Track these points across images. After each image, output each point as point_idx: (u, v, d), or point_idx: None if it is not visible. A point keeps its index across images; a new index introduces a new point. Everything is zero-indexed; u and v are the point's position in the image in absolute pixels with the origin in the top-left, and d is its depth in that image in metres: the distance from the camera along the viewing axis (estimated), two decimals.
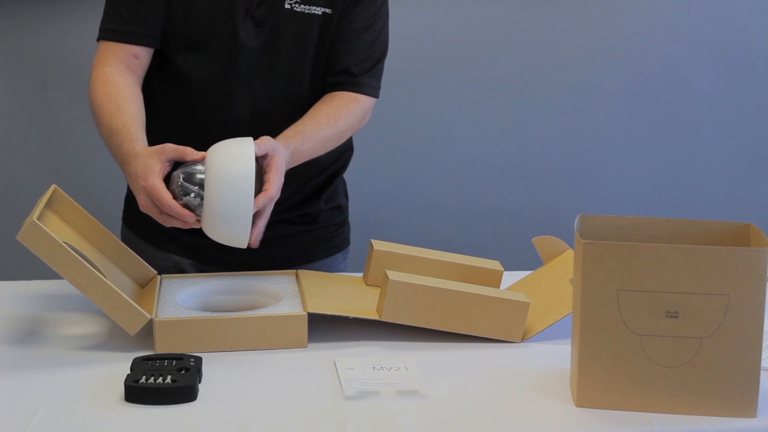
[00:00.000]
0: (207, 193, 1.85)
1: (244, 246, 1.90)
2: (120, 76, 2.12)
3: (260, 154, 1.91)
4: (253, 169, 1.85)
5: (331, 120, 2.14)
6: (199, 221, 1.89)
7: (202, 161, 1.89)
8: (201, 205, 1.87)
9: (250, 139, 1.92)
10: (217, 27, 2.13)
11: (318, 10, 2.14)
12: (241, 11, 2.12)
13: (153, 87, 2.18)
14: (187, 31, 2.15)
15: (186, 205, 1.88)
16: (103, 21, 2.18)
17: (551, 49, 3.49)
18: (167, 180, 1.90)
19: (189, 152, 1.91)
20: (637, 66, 3.53)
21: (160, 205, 1.88)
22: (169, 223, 1.91)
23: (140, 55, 2.16)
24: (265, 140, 1.95)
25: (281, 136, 2.04)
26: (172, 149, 1.91)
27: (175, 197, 1.88)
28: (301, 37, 2.15)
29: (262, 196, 1.89)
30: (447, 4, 3.42)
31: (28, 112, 3.38)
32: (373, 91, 2.23)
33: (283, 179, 1.95)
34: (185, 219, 1.88)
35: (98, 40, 2.18)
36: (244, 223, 1.86)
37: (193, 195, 1.87)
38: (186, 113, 2.17)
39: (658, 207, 3.58)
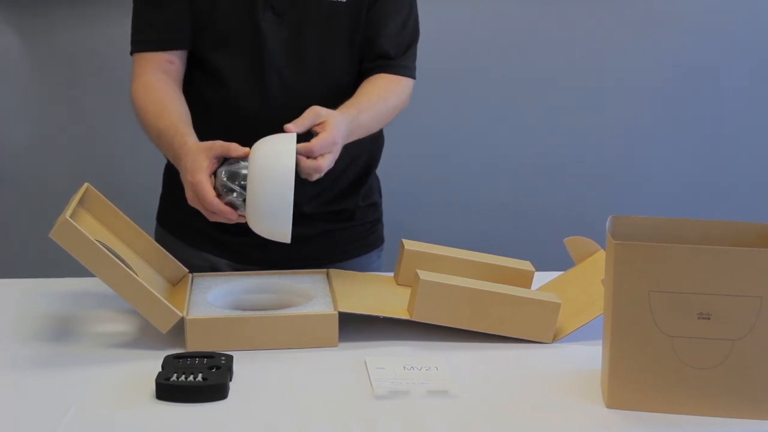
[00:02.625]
0: (249, 190, 1.87)
1: (287, 240, 1.91)
2: (160, 82, 2.14)
3: (310, 120, 1.94)
4: (293, 164, 1.86)
5: (382, 95, 2.16)
6: (242, 217, 1.91)
7: (246, 157, 1.91)
8: (244, 202, 1.88)
9: (293, 134, 1.92)
10: (238, 20, 2.14)
11: None
12: (261, 2, 2.13)
13: (193, 85, 2.20)
14: (211, 27, 2.16)
15: (230, 203, 1.90)
16: (133, 33, 2.20)
17: (582, 47, 3.48)
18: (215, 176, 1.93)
19: (234, 148, 1.92)
20: (669, 64, 3.52)
21: (202, 202, 1.90)
22: (213, 218, 1.93)
23: (175, 60, 2.18)
24: (317, 108, 1.97)
25: (338, 109, 2.05)
26: (219, 146, 1.93)
27: (219, 194, 1.90)
28: (327, 26, 2.16)
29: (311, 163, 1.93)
30: (477, 4, 3.42)
31: (59, 111, 3.40)
32: (410, 72, 2.25)
33: (338, 137, 1.96)
34: (227, 216, 1.90)
35: (131, 53, 2.20)
36: (284, 219, 1.87)
37: (235, 194, 1.89)
38: (224, 107, 2.18)
39: (691, 208, 3.56)
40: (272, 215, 1.87)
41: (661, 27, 3.50)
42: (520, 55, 3.47)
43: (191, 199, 1.94)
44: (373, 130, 2.20)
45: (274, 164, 1.86)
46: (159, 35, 2.17)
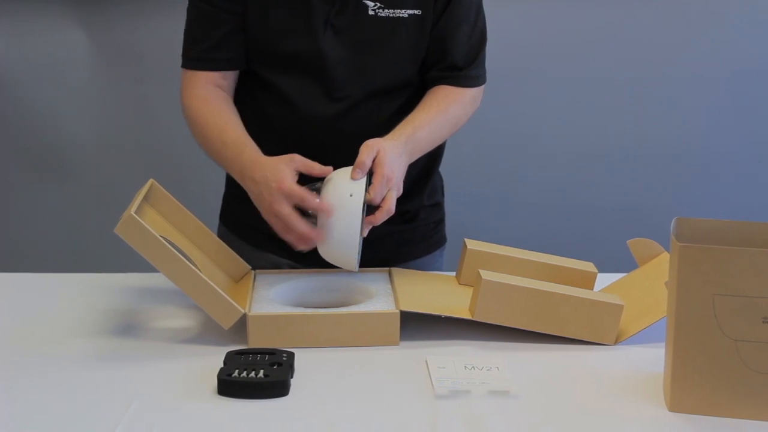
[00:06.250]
0: (319, 218, 1.92)
1: (355, 270, 1.97)
2: (214, 96, 2.15)
3: (369, 157, 1.94)
4: (360, 201, 1.90)
5: (442, 107, 2.14)
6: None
7: (323, 178, 1.96)
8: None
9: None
10: (297, 41, 2.12)
11: (404, 13, 2.11)
12: (320, 22, 2.10)
13: (253, 98, 2.20)
14: (268, 48, 2.14)
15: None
16: (184, 48, 2.20)
17: (648, 46, 3.47)
18: None
19: (316, 167, 1.95)
20: (737, 63, 3.49)
21: (301, 201, 1.91)
22: (286, 236, 1.95)
23: (227, 77, 2.18)
24: (368, 142, 1.97)
25: (392, 131, 2.05)
26: (300, 160, 1.96)
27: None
28: (388, 41, 2.13)
29: (372, 216, 1.95)
30: (540, 5, 3.41)
31: (125, 108, 3.43)
32: (478, 81, 2.23)
33: (392, 172, 1.96)
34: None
35: (182, 66, 2.20)
36: (350, 249, 1.92)
37: (310, 219, 1.95)
38: (286, 122, 2.16)
39: (757, 210, 3.53)
40: (338, 246, 1.92)
41: (725, 25, 3.47)
42: (583, 54, 3.46)
43: (276, 207, 1.93)
44: (438, 142, 2.19)
45: (340, 198, 1.91)
46: (210, 55, 2.16)
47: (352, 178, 1.93)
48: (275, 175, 1.94)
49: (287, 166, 1.95)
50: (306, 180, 1.96)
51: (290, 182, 1.92)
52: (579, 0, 3.42)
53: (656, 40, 3.46)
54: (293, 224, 1.92)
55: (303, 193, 1.91)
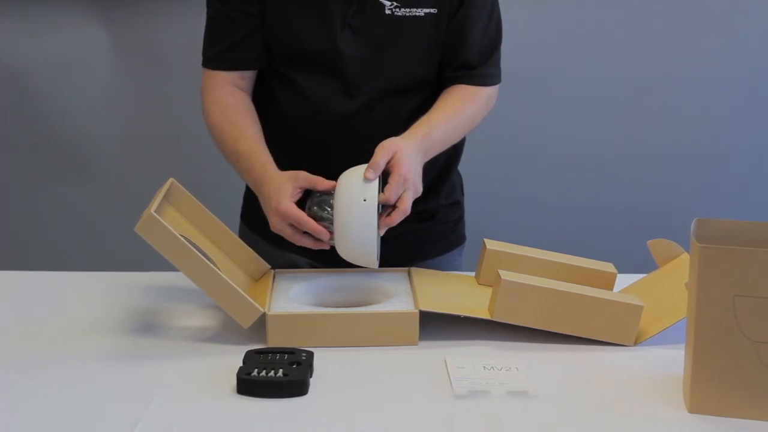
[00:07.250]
0: (335, 221, 1.92)
1: (375, 267, 1.98)
2: (232, 98, 2.17)
3: (384, 158, 1.94)
4: (375, 199, 1.91)
5: (458, 106, 2.15)
6: (328, 243, 1.97)
7: (331, 190, 1.96)
8: (332, 231, 1.95)
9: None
10: (315, 40, 2.13)
11: (420, 12, 2.12)
12: (338, 21, 2.11)
13: (273, 95, 2.21)
14: (287, 47, 2.16)
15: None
16: (204, 48, 2.22)
17: (667, 46, 3.46)
18: (300, 206, 1.97)
19: (320, 182, 1.98)
20: (756, 62, 3.48)
21: (296, 224, 1.95)
22: (300, 242, 1.98)
23: (246, 77, 2.20)
24: (384, 143, 1.97)
25: (408, 130, 2.06)
26: (304, 178, 1.98)
27: None
28: (404, 40, 2.13)
29: (385, 218, 1.96)
30: (559, 5, 3.40)
31: (146, 106, 3.44)
32: (493, 80, 2.23)
33: (409, 172, 1.96)
34: (320, 235, 1.94)
35: (202, 65, 2.23)
36: (369, 249, 1.93)
37: (325, 223, 1.95)
38: (305, 119, 2.17)
39: None
40: (357, 245, 1.93)
41: (745, 23, 3.46)
42: (601, 53, 3.45)
43: (277, 227, 1.99)
44: (453, 141, 2.18)
45: (356, 199, 1.91)
46: (229, 55, 2.18)
47: (365, 177, 1.93)
48: (276, 194, 1.97)
49: (290, 185, 1.98)
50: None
51: (286, 204, 1.95)
52: (597, 1, 3.42)
53: (676, 39, 3.45)
54: (296, 241, 1.98)
55: (299, 216, 1.94)
